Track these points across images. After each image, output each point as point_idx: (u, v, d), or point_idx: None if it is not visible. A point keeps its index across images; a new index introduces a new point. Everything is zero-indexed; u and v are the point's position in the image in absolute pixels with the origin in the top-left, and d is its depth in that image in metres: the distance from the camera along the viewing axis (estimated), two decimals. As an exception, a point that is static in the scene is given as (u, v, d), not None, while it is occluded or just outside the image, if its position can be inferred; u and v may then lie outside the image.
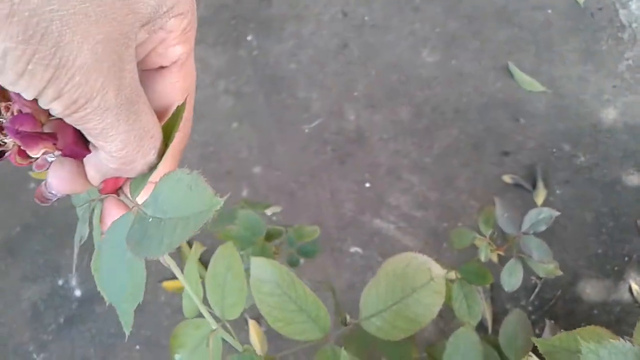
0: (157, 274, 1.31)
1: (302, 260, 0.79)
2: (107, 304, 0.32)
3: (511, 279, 0.65)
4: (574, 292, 1.26)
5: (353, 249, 1.32)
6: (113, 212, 0.32)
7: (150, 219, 0.28)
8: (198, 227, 0.26)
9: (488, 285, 1.35)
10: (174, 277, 1.31)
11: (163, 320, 1.30)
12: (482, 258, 0.65)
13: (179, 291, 1.31)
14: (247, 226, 0.76)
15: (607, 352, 0.33)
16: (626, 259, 1.29)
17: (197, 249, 1.34)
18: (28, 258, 1.36)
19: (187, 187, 0.28)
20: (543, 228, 0.63)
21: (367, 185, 1.37)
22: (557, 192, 1.35)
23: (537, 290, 1.28)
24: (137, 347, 1.28)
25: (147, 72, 0.31)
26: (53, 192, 0.29)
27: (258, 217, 0.79)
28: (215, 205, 0.27)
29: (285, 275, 0.47)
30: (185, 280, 0.41)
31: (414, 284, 0.47)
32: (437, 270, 0.47)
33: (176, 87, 0.31)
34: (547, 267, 0.65)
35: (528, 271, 1.29)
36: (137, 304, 0.31)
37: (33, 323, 1.32)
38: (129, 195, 0.31)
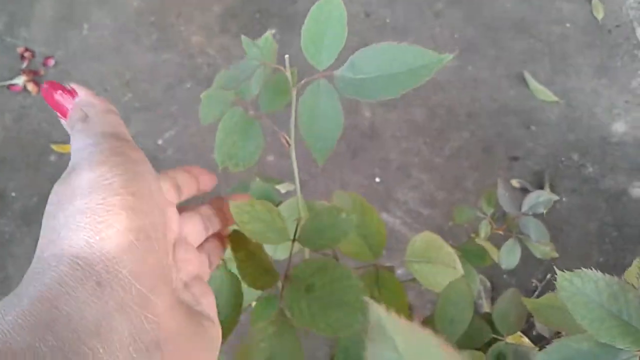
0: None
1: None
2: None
3: (509, 257, 0.68)
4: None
5: (359, 241, 1.35)
6: None
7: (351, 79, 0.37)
8: (422, 78, 0.35)
9: (489, 285, 1.37)
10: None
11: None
12: (482, 235, 0.68)
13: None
14: (261, 196, 0.79)
15: (580, 280, 0.36)
16: (628, 269, 1.31)
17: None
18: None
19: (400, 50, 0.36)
20: (542, 210, 0.66)
21: (377, 180, 1.41)
22: (564, 199, 1.37)
23: (537, 293, 1.30)
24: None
25: None
26: None
27: (271, 189, 0.82)
28: (443, 60, 0.34)
29: (357, 202, 0.56)
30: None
31: (443, 259, 0.55)
32: (459, 267, 0.56)
33: None
34: (543, 248, 0.68)
35: (529, 274, 1.32)
36: (334, 143, 0.40)
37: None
38: None
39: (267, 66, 0.41)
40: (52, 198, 0.26)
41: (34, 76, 1.56)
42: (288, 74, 0.40)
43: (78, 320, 0.22)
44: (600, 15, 1.54)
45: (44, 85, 0.30)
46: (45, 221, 0.26)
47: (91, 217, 0.24)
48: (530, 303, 0.52)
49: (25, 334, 0.21)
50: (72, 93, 0.30)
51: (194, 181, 0.39)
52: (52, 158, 1.48)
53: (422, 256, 0.58)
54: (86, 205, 0.24)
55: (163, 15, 1.60)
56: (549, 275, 1.32)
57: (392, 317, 0.18)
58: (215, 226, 0.40)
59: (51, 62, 1.57)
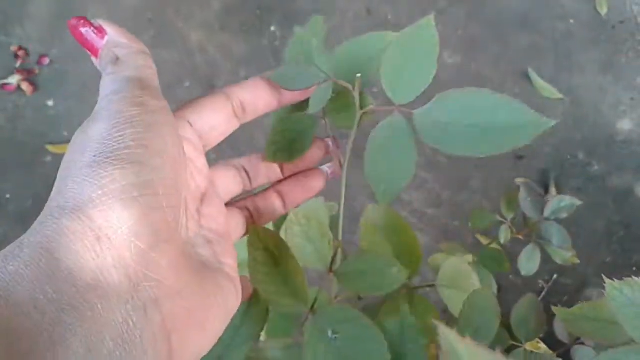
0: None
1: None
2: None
3: (529, 263, 0.66)
4: (581, 299, 1.27)
5: (363, 242, 1.33)
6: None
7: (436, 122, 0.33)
8: (521, 142, 0.31)
9: (495, 285, 1.35)
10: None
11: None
12: (502, 240, 0.66)
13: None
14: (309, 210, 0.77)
15: (631, 289, 0.34)
16: (634, 269, 1.29)
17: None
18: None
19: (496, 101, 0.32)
20: (565, 215, 0.64)
21: (381, 180, 1.38)
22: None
23: (543, 294, 1.29)
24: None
25: None
26: None
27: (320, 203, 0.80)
28: (543, 126, 0.31)
29: (392, 219, 0.54)
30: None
31: (468, 290, 0.53)
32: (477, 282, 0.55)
33: None
34: (565, 254, 0.66)
35: (535, 274, 1.30)
36: (400, 189, 0.36)
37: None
38: None
39: (333, 83, 0.36)
40: (70, 147, 0.26)
41: (29, 75, 1.52)
42: (356, 95, 0.36)
43: (77, 274, 0.22)
44: (604, 10, 1.53)
45: (72, 21, 0.29)
46: (60, 170, 0.25)
47: (97, 170, 0.24)
48: (561, 313, 0.50)
49: (26, 284, 0.21)
50: (100, 30, 0.29)
51: (259, 96, 0.37)
52: (48, 159, 1.45)
53: (451, 284, 0.57)
54: (94, 159, 0.24)
55: (161, 12, 1.57)
56: (555, 276, 1.30)
57: (468, 345, 0.16)
58: (258, 180, 0.39)
59: (46, 60, 1.53)
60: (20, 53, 1.54)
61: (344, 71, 0.38)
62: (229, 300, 0.30)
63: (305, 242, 0.40)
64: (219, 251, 0.31)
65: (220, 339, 0.29)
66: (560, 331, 0.74)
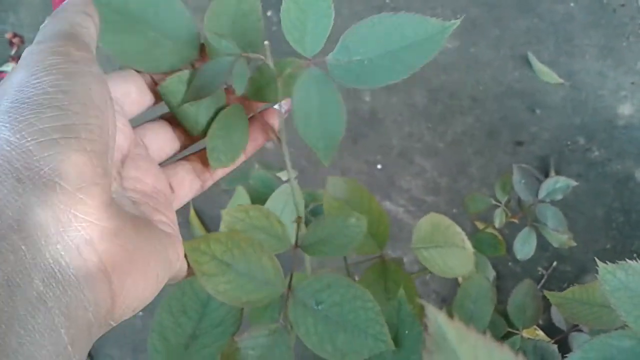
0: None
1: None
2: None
3: (524, 247, 0.65)
4: (580, 286, 1.26)
5: (361, 229, 1.31)
6: None
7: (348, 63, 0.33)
8: (433, 52, 0.31)
9: (494, 273, 1.34)
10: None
11: (166, 287, 1.30)
12: (497, 224, 0.65)
13: (184, 258, 1.31)
14: (262, 184, 0.76)
15: (624, 273, 0.33)
16: (634, 255, 1.28)
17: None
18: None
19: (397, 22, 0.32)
20: (560, 196, 0.63)
21: (379, 166, 1.37)
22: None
23: (543, 281, 1.27)
24: (140, 313, 1.28)
25: None
26: None
27: (272, 177, 0.79)
28: (448, 29, 0.31)
29: (354, 189, 0.53)
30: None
31: (452, 241, 0.52)
32: (469, 245, 0.53)
33: None
34: (561, 237, 0.64)
35: (535, 262, 1.29)
36: (338, 140, 0.36)
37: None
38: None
39: (247, 58, 0.36)
40: None
41: (23, 63, 1.51)
42: (270, 62, 0.35)
43: None
44: (605, -6, 1.50)
45: None
46: None
47: (13, 116, 0.23)
48: (554, 297, 0.48)
49: None
50: None
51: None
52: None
53: (429, 241, 0.55)
54: (11, 105, 0.24)
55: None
56: (555, 263, 1.29)
57: (457, 326, 0.14)
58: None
59: (40, 48, 1.52)
60: (15, 40, 1.53)
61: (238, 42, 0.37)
62: (168, 252, 0.30)
63: (254, 233, 0.39)
64: (147, 210, 0.31)
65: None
66: (558, 318, 0.73)
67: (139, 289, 0.26)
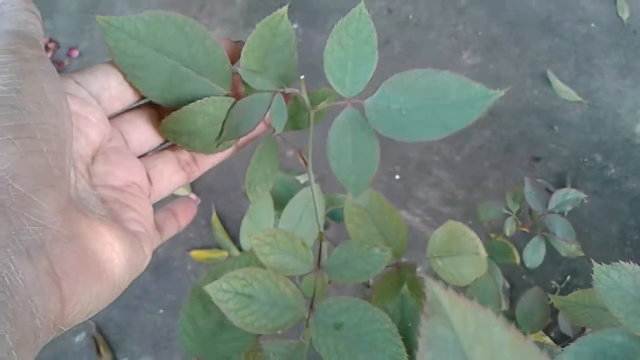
0: (186, 243, 1.36)
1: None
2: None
3: (534, 255, 0.67)
4: (593, 301, 1.27)
5: (377, 237, 1.34)
6: None
7: (386, 110, 0.33)
8: (472, 116, 0.31)
9: (507, 285, 1.36)
10: (202, 247, 1.35)
11: (188, 286, 1.34)
12: (507, 233, 0.67)
13: (206, 261, 1.35)
14: (283, 187, 0.80)
15: (617, 273, 0.35)
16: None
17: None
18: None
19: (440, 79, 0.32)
20: (569, 208, 0.65)
21: (397, 177, 1.40)
22: (585, 201, 1.35)
23: (556, 294, 1.29)
24: (161, 311, 1.32)
25: None
26: None
27: (292, 180, 0.82)
28: (491, 97, 0.31)
29: (376, 200, 0.53)
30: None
31: (465, 248, 0.53)
32: (482, 251, 0.54)
33: None
34: (569, 247, 0.67)
35: (548, 275, 1.31)
36: (369, 178, 0.35)
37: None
38: None
39: (283, 94, 0.36)
40: None
41: (58, 67, 1.57)
42: (305, 96, 0.36)
43: None
44: (625, 15, 1.52)
45: None
46: None
47: None
48: (557, 300, 0.51)
49: None
50: None
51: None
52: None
53: (444, 250, 0.57)
54: None
55: (186, 8, 1.61)
56: (568, 277, 1.30)
57: (450, 294, 0.18)
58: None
59: (75, 53, 1.58)
60: (51, 45, 1.59)
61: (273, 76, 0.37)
62: (131, 252, 0.29)
63: (280, 256, 0.41)
64: (117, 208, 0.31)
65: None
66: (564, 325, 0.75)
67: (92, 293, 0.25)
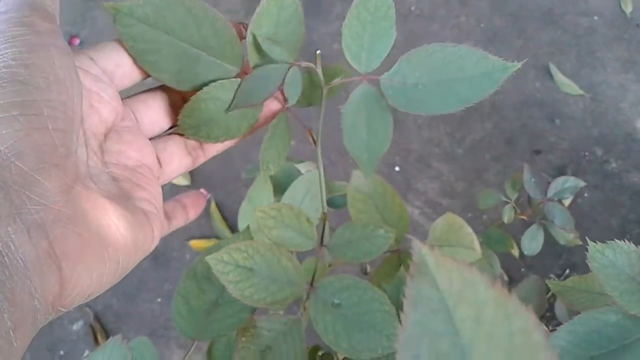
0: (185, 233, 1.36)
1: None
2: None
3: (532, 243, 0.67)
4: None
5: (376, 228, 1.34)
6: None
7: (401, 85, 0.33)
8: (489, 89, 0.31)
9: (506, 277, 1.36)
10: (201, 237, 1.35)
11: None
12: (506, 220, 0.67)
13: (205, 251, 1.35)
14: (283, 174, 0.79)
15: (612, 252, 0.35)
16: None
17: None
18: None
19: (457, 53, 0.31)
20: (568, 196, 0.65)
21: (397, 169, 1.40)
22: (585, 195, 1.35)
23: (555, 288, 1.29)
24: (159, 299, 1.32)
25: None
26: None
27: (292, 167, 0.82)
28: (509, 69, 0.30)
29: (378, 184, 0.53)
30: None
31: (462, 241, 0.53)
32: (477, 247, 0.54)
33: None
34: (567, 235, 0.67)
35: (547, 268, 1.30)
36: (381, 154, 0.36)
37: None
38: None
39: (299, 67, 0.35)
40: None
41: (59, 55, 1.57)
42: (319, 71, 0.36)
43: None
44: (628, 9, 1.52)
45: None
46: None
47: None
48: (554, 286, 0.51)
49: None
50: None
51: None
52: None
53: (443, 240, 0.57)
54: None
55: (188, -2, 1.60)
56: (567, 271, 1.30)
57: (436, 255, 0.17)
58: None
59: (76, 41, 1.58)
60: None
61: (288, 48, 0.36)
62: (139, 234, 0.29)
63: (284, 231, 0.41)
64: (128, 187, 0.31)
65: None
66: (561, 314, 0.75)
67: (93, 276, 0.25)
